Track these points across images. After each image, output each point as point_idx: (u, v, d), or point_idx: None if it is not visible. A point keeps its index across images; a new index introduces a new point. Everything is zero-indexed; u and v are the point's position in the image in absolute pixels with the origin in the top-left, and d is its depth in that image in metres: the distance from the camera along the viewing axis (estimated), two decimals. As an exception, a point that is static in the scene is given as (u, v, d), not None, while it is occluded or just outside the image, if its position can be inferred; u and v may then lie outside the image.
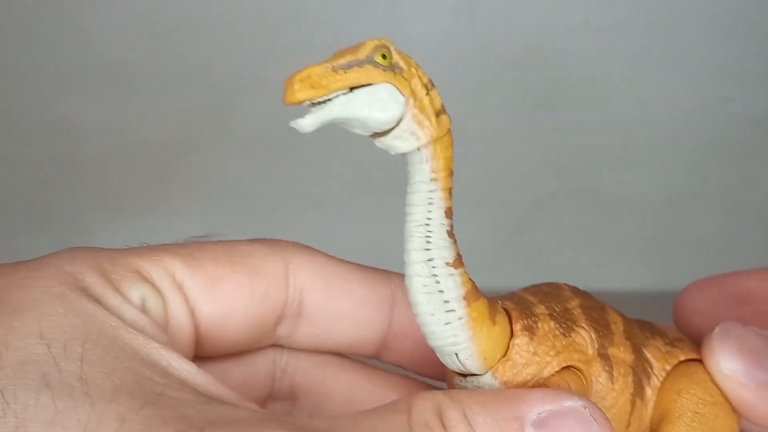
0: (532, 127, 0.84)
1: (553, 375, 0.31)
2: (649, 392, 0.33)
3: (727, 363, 0.33)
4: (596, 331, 0.32)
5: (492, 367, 0.30)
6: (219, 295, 0.33)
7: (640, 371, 0.33)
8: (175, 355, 0.29)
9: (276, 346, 0.36)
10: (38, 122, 0.84)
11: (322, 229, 0.85)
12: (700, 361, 0.34)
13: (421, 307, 0.30)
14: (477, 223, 0.85)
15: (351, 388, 0.37)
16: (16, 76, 0.83)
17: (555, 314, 0.31)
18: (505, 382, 0.30)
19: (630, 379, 0.32)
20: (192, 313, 0.33)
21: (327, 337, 0.35)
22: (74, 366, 0.27)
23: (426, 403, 0.28)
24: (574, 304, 0.32)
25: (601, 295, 0.34)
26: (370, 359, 0.37)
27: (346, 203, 0.84)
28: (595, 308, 0.33)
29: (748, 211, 0.85)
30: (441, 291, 0.29)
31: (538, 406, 0.29)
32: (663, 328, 0.35)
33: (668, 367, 0.33)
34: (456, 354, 0.30)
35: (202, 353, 0.34)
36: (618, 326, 0.33)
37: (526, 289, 0.33)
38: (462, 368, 0.30)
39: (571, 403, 0.29)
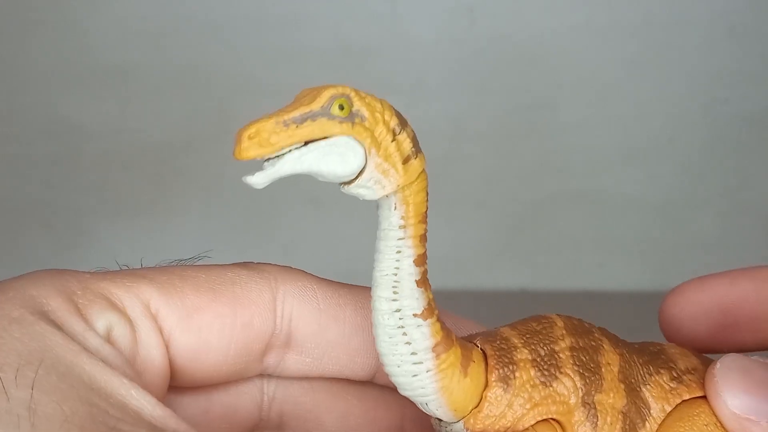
0: (532, 127, 0.84)
1: (527, 429, 0.29)
2: None
3: (734, 400, 0.30)
4: (583, 377, 0.30)
5: (464, 417, 0.30)
6: (196, 325, 0.31)
7: (633, 415, 0.31)
8: (133, 388, 0.28)
9: (263, 375, 0.35)
10: (39, 122, 0.84)
11: (322, 229, 0.85)
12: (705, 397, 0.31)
13: (387, 359, 0.29)
14: (477, 223, 0.85)
15: (343, 414, 0.35)
16: (17, 77, 0.83)
17: (538, 360, 0.30)
18: None
19: (619, 426, 0.30)
20: (166, 344, 0.31)
21: (318, 364, 0.34)
22: (24, 393, 0.26)
23: None
24: (563, 345, 0.31)
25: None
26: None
27: (346, 203, 0.84)
28: (588, 349, 0.31)
29: (747, 210, 0.85)
30: (408, 343, 0.28)
31: None
32: (677, 355, 0.32)
33: (668, 408, 0.31)
34: (426, 404, 0.29)
35: (179, 384, 0.32)
36: (611, 368, 0.31)
37: (514, 326, 0.31)
38: (435, 415, 0.30)
39: None
